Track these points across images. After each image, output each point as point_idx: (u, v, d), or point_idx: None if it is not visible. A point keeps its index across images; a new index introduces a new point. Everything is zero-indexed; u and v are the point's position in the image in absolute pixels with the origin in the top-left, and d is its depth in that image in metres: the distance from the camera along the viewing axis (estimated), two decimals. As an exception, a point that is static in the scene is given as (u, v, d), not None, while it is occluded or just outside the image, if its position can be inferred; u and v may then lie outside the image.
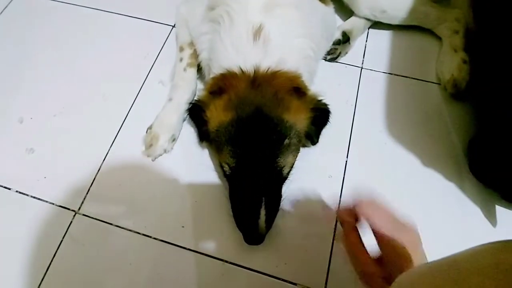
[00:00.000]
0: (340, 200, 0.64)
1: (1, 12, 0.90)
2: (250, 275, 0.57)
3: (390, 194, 0.63)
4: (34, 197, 0.65)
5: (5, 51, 0.83)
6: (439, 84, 0.77)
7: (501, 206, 0.63)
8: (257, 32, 0.55)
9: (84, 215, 0.63)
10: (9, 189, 0.66)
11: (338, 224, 0.61)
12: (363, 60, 0.81)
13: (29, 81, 0.78)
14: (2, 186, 0.66)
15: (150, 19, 0.87)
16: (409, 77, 0.78)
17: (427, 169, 0.67)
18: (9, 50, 0.83)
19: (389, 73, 0.79)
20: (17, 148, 0.70)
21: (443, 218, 0.62)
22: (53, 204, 0.64)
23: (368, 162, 0.68)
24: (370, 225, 0.42)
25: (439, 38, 0.81)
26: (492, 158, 0.61)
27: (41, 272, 0.58)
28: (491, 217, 0.62)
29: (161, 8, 0.88)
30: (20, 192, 0.65)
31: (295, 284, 0.57)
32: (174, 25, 0.84)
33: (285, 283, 0.57)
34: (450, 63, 0.75)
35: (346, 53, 0.81)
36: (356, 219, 0.44)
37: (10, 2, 0.92)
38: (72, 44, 0.84)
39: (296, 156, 0.59)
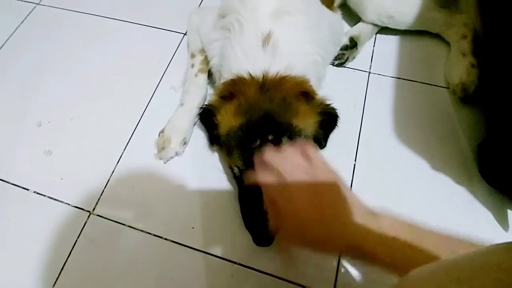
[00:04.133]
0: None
1: (22, 22, 0.95)
2: (259, 276, 0.58)
3: (399, 198, 0.64)
4: (50, 198, 0.67)
5: (24, 60, 0.87)
6: (447, 88, 0.77)
7: (512, 210, 0.62)
8: (266, 39, 0.57)
9: (98, 215, 0.65)
10: (28, 189, 0.68)
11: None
12: (370, 65, 0.82)
13: (47, 87, 0.82)
14: (20, 187, 0.69)
15: (163, 27, 0.90)
16: (417, 82, 0.79)
17: (437, 173, 0.67)
18: (28, 58, 0.87)
19: (397, 78, 0.80)
20: (35, 150, 0.73)
21: (453, 222, 0.62)
22: (68, 204, 0.66)
23: (376, 166, 0.68)
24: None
25: (447, 43, 0.82)
26: (503, 162, 0.60)
27: (56, 270, 0.60)
28: (503, 221, 0.61)
29: (173, 17, 0.91)
30: (37, 193, 0.68)
31: (303, 286, 0.57)
32: (186, 32, 0.87)
33: (293, 285, 0.57)
34: (458, 67, 0.75)
35: (354, 58, 0.82)
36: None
37: (29, 13, 0.97)
38: (87, 52, 0.87)
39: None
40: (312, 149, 0.47)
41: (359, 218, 0.40)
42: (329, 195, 0.42)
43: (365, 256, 0.39)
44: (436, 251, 0.36)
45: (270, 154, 0.47)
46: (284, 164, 0.44)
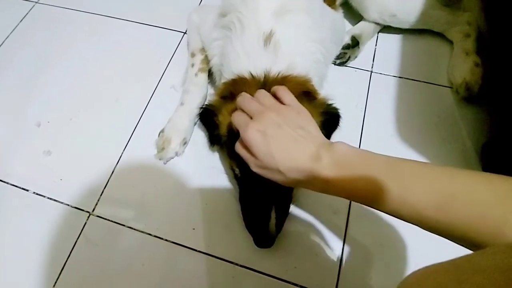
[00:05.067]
0: (350, 202, 0.63)
1: (21, 21, 0.94)
2: (260, 278, 0.58)
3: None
4: (50, 198, 0.67)
5: (23, 59, 0.87)
6: (450, 87, 0.76)
7: (516, 211, 0.62)
8: (268, 38, 0.56)
9: (98, 216, 0.64)
10: (27, 190, 0.68)
11: (349, 229, 0.61)
12: (372, 64, 0.81)
13: (46, 87, 0.81)
14: (20, 188, 0.68)
15: (162, 26, 0.90)
16: (420, 81, 0.78)
17: (439, 174, 0.66)
18: (27, 57, 0.87)
19: (399, 77, 0.79)
20: (34, 151, 0.72)
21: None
22: (68, 205, 0.66)
23: (378, 166, 0.67)
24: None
25: (450, 42, 0.81)
26: (507, 162, 0.60)
27: (56, 271, 0.60)
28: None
29: (173, 16, 0.90)
30: (37, 193, 0.67)
31: (305, 287, 0.56)
32: (186, 31, 0.86)
33: (295, 286, 0.57)
34: (462, 66, 0.74)
35: (356, 57, 0.81)
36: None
37: (28, 11, 0.96)
38: (86, 51, 0.87)
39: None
40: (283, 90, 0.51)
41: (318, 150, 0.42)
42: (294, 122, 0.45)
43: (318, 184, 0.41)
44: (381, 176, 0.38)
45: (241, 97, 0.51)
46: (251, 103, 0.49)
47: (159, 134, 0.71)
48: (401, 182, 0.37)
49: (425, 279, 0.26)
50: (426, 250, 0.59)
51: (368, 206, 0.40)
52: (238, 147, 0.48)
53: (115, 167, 0.69)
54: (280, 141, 0.43)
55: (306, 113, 0.48)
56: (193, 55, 0.76)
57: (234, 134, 0.54)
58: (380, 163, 0.40)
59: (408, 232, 0.60)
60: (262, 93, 0.50)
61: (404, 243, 0.60)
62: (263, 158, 0.43)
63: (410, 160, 0.40)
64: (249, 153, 0.45)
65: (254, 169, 0.46)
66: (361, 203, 0.41)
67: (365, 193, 0.39)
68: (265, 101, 0.49)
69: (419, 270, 0.28)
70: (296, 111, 0.47)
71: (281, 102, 0.49)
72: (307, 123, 0.46)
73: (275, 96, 0.51)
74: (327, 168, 0.40)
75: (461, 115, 0.72)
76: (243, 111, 0.49)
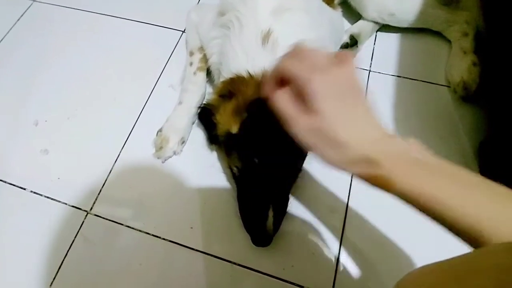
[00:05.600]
0: (348, 200, 0.63)
1: (18, 19, 0.94)
2: (258, 277, 0.58)
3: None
4: (48, 197, 0.67)
5: (20, 57, 0.86)
6: (448, 86, 0.76)
7: (513, 210, 0.62)
8: (266, 37, 0.56)
9: (95, 215, 0.64)
10: (24, 189, 0.68)
11: (345, 231, 0.61)
12: (371, 63, 0.81)
13: (44, 86, 0.81)
14: (17, 186, 0.68)
15: (161, 25, 0.89)
16: (418, 80, 0.78)
17: (437, 173, 0.66)
18: (24, 56, 0.86)
19: (397, 76, 0.79)
20: (32, 149, 0.72)
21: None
22: (66, 204, 0.66)
23: (376, 165, 0.67)
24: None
25: (448, 41, 0.81)
26: (504, 161, 0.60)
27: (53, 270, 0.59)
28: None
29: (171, 14, 0.90)
30: (34, 192, 0.67)
31: (302, 286, 0.57)
32: (184, 30, 0.86)
33: (292, 285, 0.57)
34: (459, 65, 0.74)
35: (354, 56, 0.81)
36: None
37: (26, 10, 0.95)
38: (84, 50, 0.86)
39: (304, 158, 0.60)
40: (345, 55, 0.36)
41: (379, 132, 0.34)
42: (355, 96, 0.34)
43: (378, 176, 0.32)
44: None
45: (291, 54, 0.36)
46: (318, 56, 0.35)
47: (157, 133, 0.71)
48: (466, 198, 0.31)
49: (422, 279, 0.26)
50: (423, 249, 0.59)
51: (430, 216, 0.33)
52: (283, 99, 0.35)
53: (113, 166, 0.69)
54: (358, 110, 0.33)
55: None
56: (191, 53, 0.76)
57: (235, 136, 0.54)
58: (459, 175, 0.33)
59: (405, 231, 0.60)
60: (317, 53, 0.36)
61: (401, 242, 0.60)
62: (326, 119, 0.32)
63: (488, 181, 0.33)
64: (296, 110, 0.34)
65: (301, 131, 0.34)
66: (422, 212, 0.34)
67: (433, 205, 0.32)
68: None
69: (416, 269, 0.28)
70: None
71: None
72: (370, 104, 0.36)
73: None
74: (397, 161, 0.32)
75: (459, 114, 0.73)
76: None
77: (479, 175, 0.33)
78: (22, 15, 0.94)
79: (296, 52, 0.36)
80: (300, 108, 0.34)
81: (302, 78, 0.33)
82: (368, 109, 0.35)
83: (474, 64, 0.73)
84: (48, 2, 0.97)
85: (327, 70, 0.33)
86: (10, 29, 0.92)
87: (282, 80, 0.36)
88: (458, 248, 0.35)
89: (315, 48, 0.36)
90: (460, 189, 0.32)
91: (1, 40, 0.90)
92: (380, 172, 0.32)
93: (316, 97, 0.32)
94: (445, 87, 0.77)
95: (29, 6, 0.96)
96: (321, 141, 0.33)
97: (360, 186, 0.67)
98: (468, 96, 0.72)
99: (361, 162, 0.33)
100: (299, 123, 0.34)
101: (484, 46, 0.75)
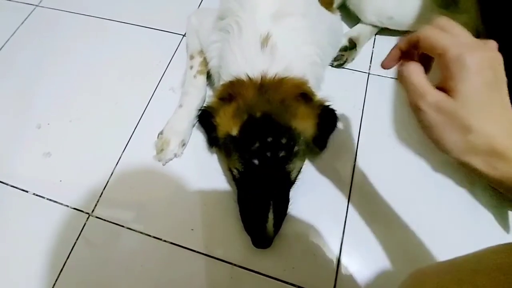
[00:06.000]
0: (348, 201, 0.64)
1: (21, 24, 0.95)
2: (258, 278, 0.58)
3: (399, 199, 0.64)
4: (50, 200, 0.67)
5: (23, 61, 0.87)
6: (447, 89, 0.77)
7: (513, 211, 0.62)
8: (265, 40, 0.57)
9: (97, 217, 0.65)
10: (27, 191, 0.68)
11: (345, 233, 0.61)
12: (370, 66, 0.82)
13: (46, 89, 0.82)
14: (19, 189, 0.69)
15: (162, 29, 0.90)
16: (416, 82, 0.78)
17: (438, 174, 0.66)
18: (27, 60, 0.87)
19: (396, 78, 0.79)
20: (35, 152, 0.73)
21: (454, 224, 0.62)
22: (68, 206, 0.66)
23: (376, 166, 0.68)
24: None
25: (447, 44, 0.81)
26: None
27: (55, 272, 0.60)
28: (504, 223, 0.61)
29: (172, 18, 0.91)
30: (36, 195, 0.68)
31: (303, 288, 0.57)
32: (185, 34, 0.87)
33: (293, 287, 0.57)
34: (458, 68, 0.75)
35: (353, 59, 0.82)
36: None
37: (29, 15, 0.97)
38: (86, 53, 0.87)
39: (304, 161, 0.60)
40: (493, 43, 0.34)
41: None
42: (499, 86, 0.31)
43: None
44: None
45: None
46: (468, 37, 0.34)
47: (158, 136, 0.72)
48: None
49: (425, 279, 0.27)
50: (425, 250, 0.59)
51: None
52: (416, 70, 0.34)
53: (114, 168, 0.70)
54: (504, 95, 0.31)
55: None
56: (192, 57, 0.76)
57: (235, 138, 0.55)
58: None
59: (407, 232, 0.60)
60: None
61: (403, 243, 0.60)
62: (464, 100, 0.30)
63: None
64: (431, 85, 0.32)
65: (429, 108, 0.32)
66: None
67: None
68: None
69: (418, 270, 0.28)
70: None
71: None
72: None
73: None
74: None
75: (458, 116, 0.73)
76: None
77: None
78: (25, 20, 0.96)
79: (443, 24, 0.34)
80: (432, 83, 0.32)
81: (455, 53, 0.31)
82: (507, 102, 0.32)
83: (473, 66, 0.74)
84: (51, 7, 0.98)
85: (480, 50, 0.31)
86: (13, 33, 0.93)
87: (408, 52, 0.35)
88: (459, 250, 0.35)
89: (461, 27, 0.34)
90: None
91: (5, 44, 0.91)
92: (501, 167, 0.30)
93: (466, 74, 0.30)
94: (444, 89, 0.77)
95: (32, 11, 0.98)
96: (448, 123, 0.31)
97: (360, 188, 0.68)
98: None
99: (484, 154, 0.30)
100: (430, 98, 0.32)
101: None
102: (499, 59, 0.32)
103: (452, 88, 0.31)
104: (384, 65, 0.37)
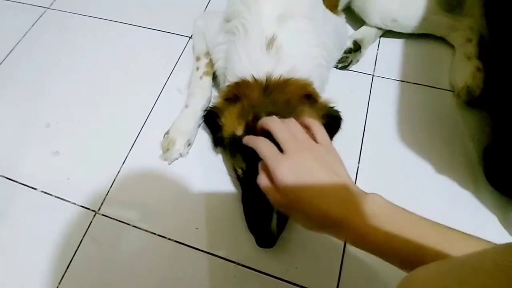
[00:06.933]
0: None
1: (32, 26, 0.97)
2: (262, 278, 0.58)
3: (403, 201, 0.63)
4: (57, 197, 0.68)
5: (34, 62, 0.89)
6: (452, 91, 0.76)
7: (518, 214, 0.62)
8: (270, 42, 0.57)
9: (103, 215, 0.66)
10: (35, 189, 0.70)
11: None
12: (374, 68, 0.82)
13: (56, 90, 0.84)
14: (28, 186, 0.70)
15: (169, 31, 0.92)
16: (421, 85, 0.79)
17: (441, 177, 0.66)
18: (37, 60, 0.89)
19: (401, 81, 0.80)
20: (43, 151, 0.74)
21: (457, 226, 0.61)
22: (75, 204, 0.67)
23: (380, 168, 0.68)
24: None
25: (451, 46, 0.81)
26: (508, 165, 0.60)
27: (62, 269, 0.61)
28: (508, 225, 0.60)
29: (179, 21, 0.92)
30: (45, 192, 0.69)
31: (306, 288, 0.57)
32: (191, 36, 0.88)
33: (296, 287, 0.57)
34: (463, 70, 0.75)
35: (358, 61, 0.82)
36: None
37: (39, 17, 0.99)
38: (95, 55, 0.89)
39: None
40: (318, 127, 0.48)
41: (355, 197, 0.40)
42: (327, 167, 0.42)
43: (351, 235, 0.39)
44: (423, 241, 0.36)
45: (271, 120, 0.48)
46: (284, 132, 0.45)
47: (164, 136, 0.73)
48: (444, 250, 0.35)
49: (425, 279, 0.27)
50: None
51: (402, 269, 0.37)
52: (262, 180, 0.44)
53: (121, 167, 0.71)
54: (313, 185, 0.40)
55: (337, 153, 0.46)
56: (198, 58, 0.78)
57: (240, 139, 0.55)
58: (426, 227, 0.38)
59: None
60: (293, 123, 0.48)
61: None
62: (290, 198, 0.40)
63: (454, 229, 0.38)
64: (274, 189, 0.42)
65: (277, 206, 0.43)
66: (389, 262, 0.38)
67: (404, 256, 0.36)
68: (299, 135, 0.46)
69: (419, 269, 0.28)
70: (328, 151, 0.45)
71: (312, 137, 0.47)
72: (339, 166, 0.43)
73: (304, 126, 0.48)
74: (361, 220, 0.37)
75: (463, 119, 0.73)
76: (264, 136, 0.46)
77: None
78: (36, 22, 0.98)
79: (273, 123, 0.47)
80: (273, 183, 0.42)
81: (269, 163, 0.43)
82: (329, 177, 0.41)
83: (478, 69, 0.74)
84: (61, 9, 1.00)
85: (296, 152, 0.42)
86: (25, 34, 0.95)
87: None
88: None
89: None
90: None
91: (16, 45, 0.93)
92: (346, 231, 0.39)
93: (281, 183, 0.41)
94: (449, 92, 0.77)
95: (43, 13, 1.00)
96: (295, 213, 0.42)
97: (364, 189, 0.68)
98: (472, 101, 0.73)
99: (329, 225, 0.40)
100: (274, 200, 0.43)
101: (487, 52, 0.76)
102: (309, 155, 0.43)
103: (280, 190, 0.43)
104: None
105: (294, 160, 0.42)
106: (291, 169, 0.41)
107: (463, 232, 0.38)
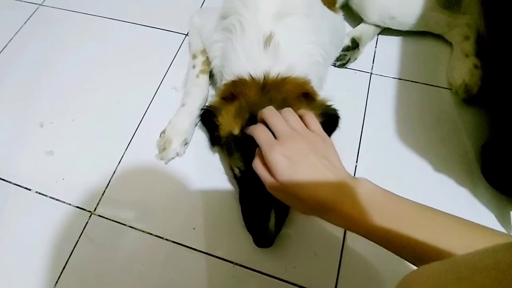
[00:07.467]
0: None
1: (24, 23, 0.95)
2: (260, 278, 0.58)
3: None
4: (52, 198, 0.67)
5: (26, 60, 0.88)
6: (450, 89, 0.76)
7: (515, 212, 0.62)
8: (268, 40, 0.57)
9: (99, 215, 0.65)
10: (29, 189, 0.69)
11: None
12: (372, 66, 0.82)
13: (49, 88, 0.82)
14: (22, 187, 0.69)
15: (165, 28, 0.91)
16: (419, 82, 0.78)
17: (439, 174, 0.66)
18: (30, 58, 0.88)
19: (399, 79, 0.79)
20: (37, 150, 0.73)
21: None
22: (70, 204, 0.66)
23: (378, 167, 0.68)
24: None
25: (449, 44, 0.81)
26: (506, 163, 0.60)
27: (58, 270, 0.60)
28: (505, 223, 0.61)
29: (175, 18, 0.91)
30: (39, 193, 0.68)
31: (304, 287, 0.57)
32: (187, 33, 0.87)
33: (294, 286, 0.57)
34: (461, 68, 0.75)
35: (356, 59, 0.82)
36: None
37: (32, 14, 0.97)
38: (89, 52, 0.88)
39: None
40: (311, 117, 0.50)
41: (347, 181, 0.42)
42: (307, 157, 0.43)
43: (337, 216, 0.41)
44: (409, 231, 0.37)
45: (267, 110, 0.49)
46: (278, 120, 0.47)
47: (160, 135, 0.72)
48: (430, 233, 0.37)
49: (424, 278, 0.27)
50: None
51: (390, 250, 0.39)
52: (257, 164, 0.46)
53: (116, 167, 0.70)
54: (305, 170, 0.41)
55: (331, 142, 0.47)
56: (194, 56, 0.77)
57: (237, 138, 0.55)
58: (410, 209, 0.40)
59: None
60: (289, 112, 0.49)
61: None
62: (284, 183, 0.42)
63: (439, 210, 0.40)
64: (268, 173, 0.44)
65: (270, 190, 0.45)
66: (382, 246, 0.40)
67: (391, 238, 0.38)
68: (294, 123, 0.47)
69: (418, 269, 0.28)
70: (322, 140, 0.46)
71: (307, 127, 0.49)
72: (332, 153, 0.45)
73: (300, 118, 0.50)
74: (351, 204, 0.39)
75: (461, 117, 0.73)
76: (264, 125, 0.48)
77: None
78: (28, 19, 0.96)
79: (269, 112, 0.49)
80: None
81: (264, 149, 0.44)
82: (320, 163, 0.43)
83: (476, 66, 0.74)
84: (54, 6, 0.98)
85: (290, 139, 0.44)
86: (17, 32, 0.93)
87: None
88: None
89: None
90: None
91: (8, 43, 0.91)
92: (338, 215, 0.41)
93: (275, 168, 0.42)
94: (446, 89, 0.77)
95: (35, 10, 0.98)
96: (287, 197, 0.44)
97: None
98: (470, 98, 0.73)
99: (320, 209, 0.42)
100: (269, 184, 0.44)
101: (485, 50, 0.75)
102: (302, 142, 0.44)
103: (275, 176, 0.45)
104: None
105: (287, 145, 0.43)
106: (284, 154, 0.42)
107: (442, 212, 0.41)
